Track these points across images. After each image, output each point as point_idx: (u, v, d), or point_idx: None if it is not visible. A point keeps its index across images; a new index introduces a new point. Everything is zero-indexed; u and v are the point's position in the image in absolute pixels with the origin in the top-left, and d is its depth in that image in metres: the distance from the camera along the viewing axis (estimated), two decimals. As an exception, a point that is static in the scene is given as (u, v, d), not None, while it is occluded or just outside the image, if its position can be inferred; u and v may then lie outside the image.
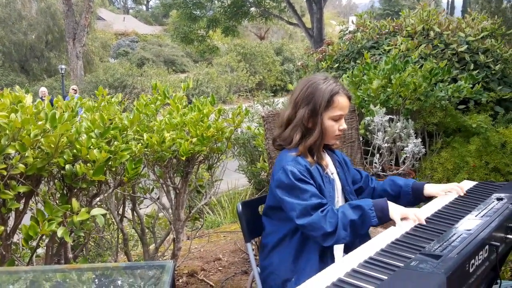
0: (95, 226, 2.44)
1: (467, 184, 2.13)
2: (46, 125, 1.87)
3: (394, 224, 1.70)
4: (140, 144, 2.26)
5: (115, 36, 35.52)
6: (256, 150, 5.23)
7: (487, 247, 1.45)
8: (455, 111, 4.50)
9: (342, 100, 1.92)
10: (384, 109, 3.82)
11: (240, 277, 3.36)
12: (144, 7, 60.84)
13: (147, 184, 2.92)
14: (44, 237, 2.10)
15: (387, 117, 3.79)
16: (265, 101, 6.37)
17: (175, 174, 2.77)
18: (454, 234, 1.46)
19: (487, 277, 1.61)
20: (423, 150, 3.81)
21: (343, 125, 1.96)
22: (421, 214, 1.68)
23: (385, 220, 1.75)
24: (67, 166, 1.96)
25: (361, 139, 3.38)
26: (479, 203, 1.80)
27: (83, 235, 2.20)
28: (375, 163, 3.71)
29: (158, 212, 3.02)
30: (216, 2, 18.24)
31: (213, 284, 3.24)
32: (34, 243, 2.08)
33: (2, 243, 1.95)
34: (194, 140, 2.49)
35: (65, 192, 2.11)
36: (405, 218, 1.70)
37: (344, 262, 1.38)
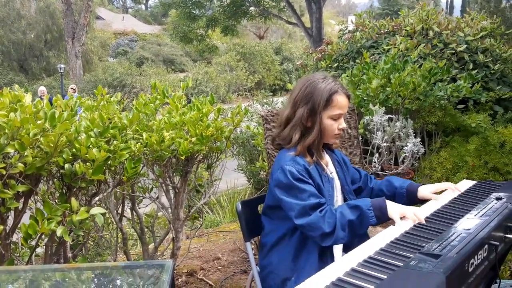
0: (94, 226, 2.43)
1: (466, 184, 2.13)
2: (45, 124, 1.87)
3: (393, 223, 1.70)
4: (139, 143, 2.26)
5: (114, 35, 35.49)
6: (255, 150, 5.23)
7: (486, 246, 1.45)
8: (454, 111, 4.50)
9: (341, 99, 1.92)
10: (383, 109, 3.82)
11: (240, 277, 3.36)
12: (143, 6, 60.82)
13: (146, 183, 2.92)
14: (43, 236, 2.09)
15: (386, 117, 3.79)
16: (264, 100, 6.36)
17: (174, 174, 2.77)
18: (453, 234, 1.46)
19: (486, 277, 1.61)
20: (422, 149, 3.81)
21: (342, 124, 1.96)
22: (420, 213, 1.68)
23: (383, 220, 1.75)
24: (66, 165, 1.96)
25: (360, 138, 3.38)
26: (478, 203, 1.80)
27: (82, 234, 2.20)
28: (374, 162, 3.71)
29: (157, 212, 3.02)
30: (215, 1, 18.23)
31: (212, 284, 3.24)
32: (33, 242, 2.08)
33: (2, 242, 1.95)
34: (194, 139, 2.49)
35: (64, 191, 2.11)
36: (404, 217, 1.70)
37: (344, 261, 1.38)
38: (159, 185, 2.84)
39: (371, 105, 3.89)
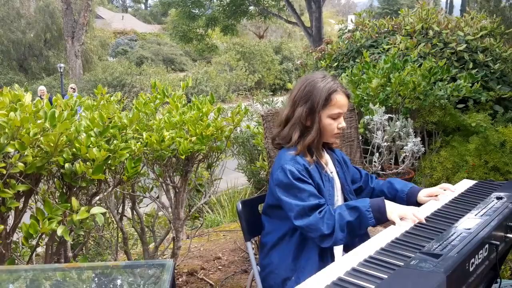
0: (94, 225, 2.43)
1: (467, 183, 2.13)
2: (45, 124, 1.87)
3: (394, 223, 1.70)
4: (139, 143, 2.26)
5: (114, 34, 35.46)
6: (255, 149, 5.23)
7: (487, 246, 1.45)
8: (454, 110, 4.50)
9: (340, 98, 1.92)
10: (383, 108, 3.82)
11: (240, 276, 3.36)
12: (142, 6, 60.82)
13: (146, 183, 2.92)
14: (43, 236, 2.09)
15: (387, 116, 3.79)
16: (264, 100, 6.36)
17: (174, 173, 2.77)
18: (453, 233, 1.46)
19: (487, 276, 1.61)
20: (423, 149, 3.81)
21: (342, 123, 1.95)
22: (420, 213, 1.68)
23: (382, 221, 1.74)
24: (66, 165, 1.96)
25: (360, 138, 3.38)
26: (479, 202, 1.80)
27: (83, 234, 2.20)
28: (375, 162, 3.71)
29: (157, 211, 3.02)
30: (215, 0, 18.22)
31: (212, 283, 3.24)
32: (34, 242, 2.08)
33: (2, 242, 1.95)
34: (194, 139, 2.49)
35: (64, 191, 2.11)
36: (403, 218, 1.70)
37: (344, 261, 1.38)
38: (159, 185, 2.84)
39: (371, 105, 3.89)
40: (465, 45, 4.98)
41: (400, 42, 5.13)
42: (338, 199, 2.03)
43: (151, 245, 3.01)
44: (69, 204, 1.94)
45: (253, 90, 24.69)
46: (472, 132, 4.39)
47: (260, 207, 2.19)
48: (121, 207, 2.76)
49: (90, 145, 1.98)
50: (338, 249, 1.96)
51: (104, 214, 1.98)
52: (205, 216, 5.18)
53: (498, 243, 1.49)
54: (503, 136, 4.25)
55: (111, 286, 1.60)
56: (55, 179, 2.11)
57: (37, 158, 1.86)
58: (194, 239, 4.23)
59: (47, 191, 2.11)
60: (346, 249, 1.93)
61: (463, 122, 4.42)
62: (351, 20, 7.26)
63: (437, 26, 5.31)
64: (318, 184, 1.89)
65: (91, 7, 24.10)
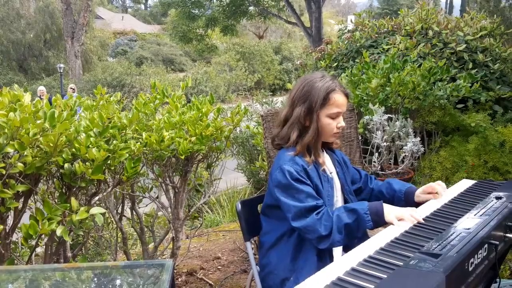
0: (94, 225, 2.44)
1: (466, 183, 2.13)
2: (45, 124, 1.87)
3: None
4: (139, 143, 2.26)
5: (114, 35, 35.47)
6: (255, 149, 5.23)
7: (486, 246, 1.45)
8: (453, 110, 4.50)
9: (338, 98, 1.92)
10: (383, 108, 3.82)
11: (239, 276, 3.36)
12: (142, 6, 60.83)
13: (146, 183, 2.92)
14: (43, 236, 2.09)
15: (386, 116, 3.79)
16: (264, 100, 6.36)
17: (174, 173, 2.77)
18: (453, 233, 1.46)
19: (486, 276, 1.61)
20: (422, 149, 3.81)
21: (341, 122, 1.95)
22: (417, 214, 1.68)
23: (380, 224, 1.74)
24: (66, 165, 1.96)
25: (360, 138, 3.38)
26: (478, 202, 1.80)
27: (82, 234, 2.20)
28: (374, 162, 3.71)
29: (157, 211, 3.02)
30: (214, 1, 18.22)
31: (212, 283, 3.24)
32: (33, 242, 2.08)
33: (1, 242, 1.95)
34: (193, 139, 2.49)
35: (64, 191, 2.11)
36: (401, 220, 1.69)
37: (344, 261, 1.38)
38: (158, 185, 2.84)
39: (370, 105, 3.89)
40: (464, 45, 4.98)
41: (400, 42, 5.13)
42: (338, 200, 2.03)
43: (151, 245, 3.01)
44: (69, 204, 1.93)
45: (253, 90, 24.69)
46: (472, 132, 4.39)
47: (260, 207, 2.19)
48: (120, 207, 2.76)
49: (90, 145, 1.98)
50: (337, 250, 1.95)
51: (103, 214, 1.97)
52: (205, 216, 5.18)
53: (497, 242, 1.49)
54: (503, 136, 4.25)
55: (110, 286, 1.60)
56: (55, 179, 2.11)
57: (37, 158, 1.86)
58: (194, 239, 4.23)
59: (47, 191, 2.11)
60: (346, 250, 1.93)
61: (462, 122, 4.42)
62: (351, 21, 7.27)
63: (436, 26, 5.32)
64: (316, 185, 1.89)
65: (91, 8, 24.10)
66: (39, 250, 2.37)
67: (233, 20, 18.68)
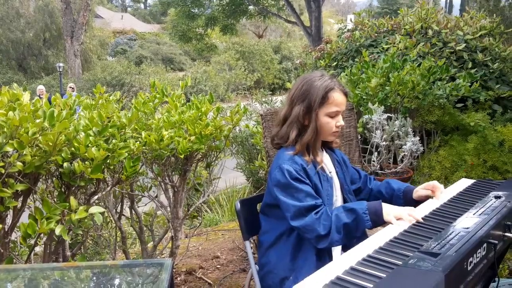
0: (93, 224, 2.43)
1: (465, 182, 2.13)
2: (44, 123, 1.86)
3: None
4: (138, 142, 2.26)
5: (113, 34, 35.44)
6: (254, 148, 5.24)
7: (485, 245, 1.45)
8: (453, 110, 4.50)
9: (337, 96, 1.91)
10: (382, 108, 3.82)
11: (239, 275, 3.36)
12: (142, 5, 60.81)
13: (145, 182, 2.92)
14: (42, 235, 2.09)
15: (386, 116, 3.79)
16: (263, 99, 6.37)
17: (173, 172, 2.77)
18: (452, 232, 1.46)
19: (485, 275, 1.61)
20: (421, 148, 3.81)
21: (340, 121, 1.95)
22: (416, 213, 1.68)
23: (379, 223, 1.74)
24: (65, 164, 1.96)
25: (359, 137, 3.38)
26: (477, 201, 1.80)
27: (81, 233, 2.20)
28: (373, 161, 3.72)
29: (156, 210, 3.02)
30: (214, 0, 18.22)
31: (211, 282, 3.24)
32: (32, 241, 2.08)
33: (0, 241, 1.95)
34: (192, 138, 2.49)
35: (63, 190, 2.11)
36: (400, 219, 1.69)
37: (343, 260, 1.38)
38: (158, 184, 2.84)
39: (370, 104, 3.89)
40: (464, 44, 4.98)
41: (399, 42, 5.13)
42: (337, 199, 2.03)
43: (150, 244, 3.01)
44: (68, 204, 1.93)
45: (252, 89, 24.68)
46: (471, 132, 4.40)
47: (259, 206, 2.19)
48: (119, 206, 2.76)
49: (89, 145, 1.98)
50: (336, 249, 1.96)
51: (102, 213, 1.97)
52: (204, 215, 5.18)
53: (496, 242, 1.49)
54: (502, 135, 4.25)
55: (109, 285, 1.60)
56: (54, 179, 2.11)
57: (36, 158, 1.86)
58: (193, 238, 4.23)
59: (46, 190, 2.11)
60: (345, 249, 1.93)
61: (462, 121, 4.42)
62: (351, 20, 7.28)
63: (436, 26, 5.32)
64: (316, 185, 1.89)
65: (91, 7, 24.07)
66: (38, 249, 2.37)
67: (232, 19, 18.67)
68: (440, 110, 4.44)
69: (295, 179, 1.83)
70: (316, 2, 15.39)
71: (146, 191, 2.86)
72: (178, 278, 3.30)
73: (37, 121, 1.84)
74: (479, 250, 1.41)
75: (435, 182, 1.99)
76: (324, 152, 2.08)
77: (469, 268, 1.35)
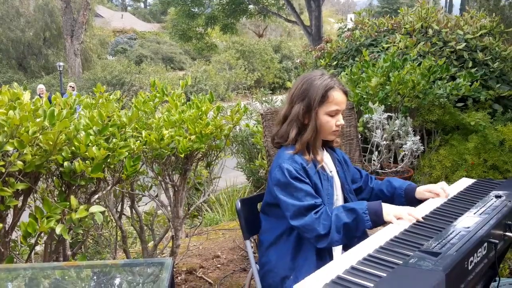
0: (93, 224, 2.44)
1: (465, 182, 2.13)
2: (44, 122, 1.86)
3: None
4: (138, 141, 2.26)
5: (113, 33, 35.42)
6: (254, 148, 5.24)
7: (485, 244, 1.45)
8: (453, 109, 4.50)
9: (337, 95, 1.91)
10: (382, 107, 3.82)
11: (239, 275, 3.36)
12: (142, 4, 60.79)
13: (145, 181, 2.92)
14: (42, 234, 2.09)
15: (386, 115, 3.79)
16: (264, 98, 6.36)
17: (173, 172, 2.77)
18: (452, 232, 1.46)
19: (486, 275, 1.61)
20: (422, 147, 3.81)
21: (340, 120, 1.95)
22: (415, 213, 1.68)
23: (379, 223, 1.74)
24: (65, 163, 1.96)
25: (359, 136, 3.38)
26: (478, 201, 1.80)
27: (82, 232, 2.20)
28: (374, 160, 3.71)
29: (156, 210, 3.02)
30: (214, -1, 18.24)
31: (211, 282, 3.24)
32: (33, 240, 2.08)
33: (1, 240, 1.95)
34: (193, 137, 2.49)
35: (63, 189, 2.11)
36: (399, 219, 1.69)
37: (343, 259, 1.38)
38: (158, 183, 2.84)
39: (370, 103, 3.89)
40: (464, 44, 4.98)
41: (400, 41, 5.13)
42: (338, 198, 2.03)
43: (150, 244, 3.01)
44: (68, 203, 1.93)
45: (253, 88, 24.69)
46: (471, 131, 4.40)
47: (259, 206, 2.19)
48: (120, 205, 2.76)
49: (89, 144, 1.98)
50: (337, 249, 1.96)
51: (103, 212, 1.98)
52: (204, 214, 5.19)
53: (497, 241, 1.49)
54: (502, 134, 4.25)
55: (110, 284, 1.60)
56: (54, 178, 2.11)
57: (36, 157, 1.86)
58: (193, 237, 4.23)
59: (46, 189, 2.11)
60: (346, 249, 1.93)
61: (462, 120, 4.42)
62: (351, 19, 7.27)
63: (436, 25, 5.31)
64: (316, 184, 1.89)
65: (91, 6, 24.07)
66: (38, 248, 2.37)
67: (232, 19, 18.68)
68: (440, 109, 4.44)
69: (295, 178, 1.83)
70: (316, 1, 15.39)
71: (147, 191, 2.87)
72: (179, 278, 3.30)
73: (38, 120, 1.84)
74: (479, 250, 1.41)
75: (437, 189, 1.98)
76: (325, 151, 2.08)
77: (469, 267, 1.35)
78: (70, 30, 22.19)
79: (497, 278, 1.76)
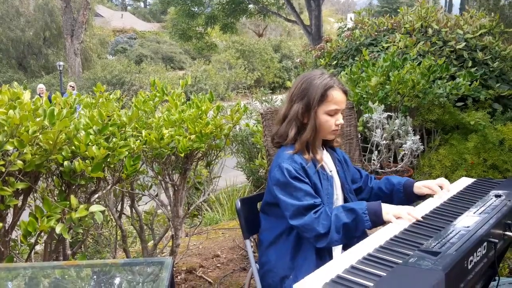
0: (93, 223, 2.44)
1: (465, 181, 2.13)
2: (44, 122, 1.87)
3: None
4: (138, 140, 2.26)
5: (113, 33, 35.41)
6: (254, 147, 5.24)
7: (485, 244, 1.45)
8: (453, 108, 4.50)
9: (336, 95, 1.91)
10: (382, 106, 3.82)
11: (239, 274, 3.36)
12: (142, 4, 60.77)
13: (145, 181, 2.92)
14: (42, 233, 2.09)
15: (386, 114, 3.79)
16: (264, 98, 6.36)
17: (173, 171, 2.77)
18: (452, 231, 1.46)
19: (485, 274, 1.62)
20: (421, 147, 3.81)
21: (339, 120, 1.95)
22: (415, 212, 1.68)
23: (378, 224, 1.74)
24: (65, 163, 1.96)
25: (359, 136, 3.38)
26: (477, 200, 1.80)
27: (82, 231, 2.20)
28: (374, 160, 3.72)
29: (156, 209, 3.02)
30: (214, -1, 18.24)
31: (211, 281, 3.24)
32: (33, 240, 2.08)
33: (1, 240, 1.95)
34: (193, 137, 2.49)
35: (63, 188, 2.11)
36: (398, 218, 1.69)
37: (343, 258, 1.38)
38: (158, 183, 2.84)
39: (370, 103, 3.89)
40: (464, 43, 4.98)
41: (400, 41, 5.13)
42: (338, 198, 2.03)
43: (150, 243, 3.01)
44: (68, 202, 1.93)
45: (252, 88, 24.68)
46: (471, 130, 4.40)
47: (259, 205, 2.19)
48: (120, 205, 2.76)
49: (89, 143, 1.98)
50: (337, 248, 1.96)
51: (103, 212, 1.98)
52: (204, 214, 5.19)
53: (496, 241, 1.49)
54: (502, 134, 4.25)
55: (109, 284, 1.60)
56: (54, 177, 2.11)
57: (36, 156, 1.86)
58: (193, 237, 4.23)
59: (46, 189, 2.11)
60: (345, 248, 1.93)
61: (462, 120, 4.42)
62: (351, 19, 7.28)
63: (436, 25, 5.31)
64: (315, 184, 1.89)
65: (90, 5, 24.06)
66: (38, 248, 2.37)
67: (232, 18, 18.67)
68: (440, 109, 4.44)
69: (294, 178, 1.83)
70: (316, 1, 15.39)
71: (147, 190, 2.87)
72: (179, 277, 3.30)
73: (38, 119, 1.84)
74: (479, 249, 1.41)
75: (435, 187, 1.98)
76: (325, 151, 2.08)
77: (469, 267, 1.36)
78: (70, 30, 22.18)
79: (496, 278, 1.76)
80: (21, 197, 2.02)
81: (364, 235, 1.84)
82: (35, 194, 2.13)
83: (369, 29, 5.89)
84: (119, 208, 2.73)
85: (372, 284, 1.20)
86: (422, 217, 1.65)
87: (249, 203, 2.21)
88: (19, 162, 1.80)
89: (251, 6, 18.35)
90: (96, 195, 2.26)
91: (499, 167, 4.18)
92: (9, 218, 2.01)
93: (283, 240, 1.94)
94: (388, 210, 1.73)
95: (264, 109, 2.91)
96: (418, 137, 3.83)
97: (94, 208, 1.93)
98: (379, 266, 1.30)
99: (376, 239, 1.50)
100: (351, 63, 5.32)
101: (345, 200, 2.06)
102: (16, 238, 2.14)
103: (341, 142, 3.13)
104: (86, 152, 1.93)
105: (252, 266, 2.11)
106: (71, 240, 2.41)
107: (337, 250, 1.95)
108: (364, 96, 4.12)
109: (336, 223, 1.75)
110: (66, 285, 1.57)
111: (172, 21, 21.65)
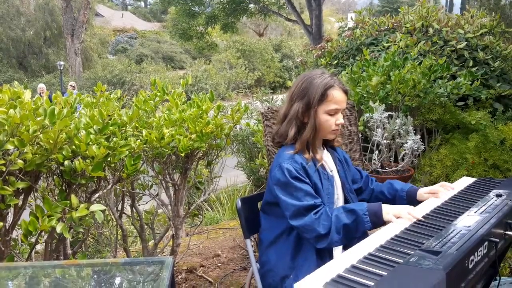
0: (94, 222, 2.43)
1: (466, 181, 2.13)
2: (45, 121, 1.86)
3: None
4: (139, 140, 2.26)
5: (114, 32, 35.42)
6: (255, 147, 5.24)
7: (486, 243, 1.45)
8: (454, 108, 4.50)
9: (336, 94, 1.91)
10: (383, 106, 3.82)
11: (239, 273, 3.36)
12: (142, 4, 60.78)
13: (146, 180, 2.92)
14: (43, 233, 2.09)
15: (386, 114, 3.79)
16: (264, 97, 6.36)
17: (174, 171, 2.77)
18: (453, 231, 1.46)
19: (486, 274, 1.61)
20: (422, 146, 3.80)
21: (340, 119, 1.94)
22: (415, 212, 1.68)
23: (379, 225, 1.74)
24: (66, 162, 1.96)
25: (360, 135, 3.38)
26: (478, 200, 1.80)
27: (82, 231, 2.20)
28: (374, 159, 3.71)
29: (157, 209, 3.02)
30: (214, -2, 18.25)
31: (212, 280, 3.24)
32: (33, 239, 2.08)
33: (1, 239, 1.95)
34: (193, 136, 2.49)
35: (64, 188, 2.11)
36: (399, 218, 1.69)
37: (344, 258, 1.38)
38: (159, 182, 2.84)
39: (371, 102, 3.89)
40: (465, 43, 4.98)
41: (400, 40, 5.12)
42: (339, 198, 2.03)
43: (151, 243, 3.01)
44: (69, 201, 1.93)
45: (253, 88, 24.66)
46: (472, 130, 4.39)
47: (260, 205, 2.19)
48: (120, 204, 2.76)
49: (90, 143, 1.98)
50: (337, 249, 1.95)
51: (103, 211, 1.97)
52: (205, 213, 5.19)
53: (497, 240, 1.49)
54: (503, 134, 4.24)
55: (110, 283, 1.60)
56: (55, 176, 2.11)
57: (37, 155, 1.86)
58: (194, 236, 4.23)
59: (47, 188, 2.11)
60: (346, 248, 1.93)
61: (463, 120, 4.42)
62: (351, 18, 7.27)
63: (437, 24, 5.31)
64: (315, 184, 1.89)
65: (91, 5, 24.05)
66: (39, 247, 2.37)
67: (233, 18, 18.68)
68: (441, 108, 4.43)
69: (294, 178, 1.83)
70: (317, 0, 15.39)
71: (147, 189, 2.87)
72: (179, 276, 3.30)
73: (38, 119, 1.84)
74: (480, 249, 1.41)
75: (440, 189, 1.98)
76: (325, 150, 2.08)
77: (470, 266, 1.35)
78: (70, 29, 22.19)
79: (497, 277, 1.76)
80: (22, 197, 2.02)
81: (364, 236, 1.84)
82: (35, 194, 2.13)
83: (370, 28, 5.88)
84: (119, 207, 2.73)
85: (373, 284, 1.20)
86: (423, 217, 1.65)
87: (250, 203, 2.21)
88: (20, 161, 1.80)
89: (251, 5, 18.35)
90: (97, 195, 2.26)
91: (500, 166, 4.17)
92: (10, 218, 2.01)
93: (283, 240, 1.94)
94: (388, 210, 1.73)
95: (265, 108, 2.91)
96: (419, 136, 3.82)
97: (95, 207, 1.93)
98: (380, 265, 1.30)
99: (377, 238, 1.50)
100: (351, 63, 5.31)
101: (346, 199, 2.06)
102: (16, 238, 2.15)
103: (342, 142, 3.14)
104: (87, 152, 1.93)
105: (252, 265, 2.11)
106: (71, 240, 2.41)
107: (337, 250, 1.95)
108: (364, 95, 4.11)
109: (336, 224, 1.75)
110: (67, 285, 1.57)
111: (173, 21, 21.65)
